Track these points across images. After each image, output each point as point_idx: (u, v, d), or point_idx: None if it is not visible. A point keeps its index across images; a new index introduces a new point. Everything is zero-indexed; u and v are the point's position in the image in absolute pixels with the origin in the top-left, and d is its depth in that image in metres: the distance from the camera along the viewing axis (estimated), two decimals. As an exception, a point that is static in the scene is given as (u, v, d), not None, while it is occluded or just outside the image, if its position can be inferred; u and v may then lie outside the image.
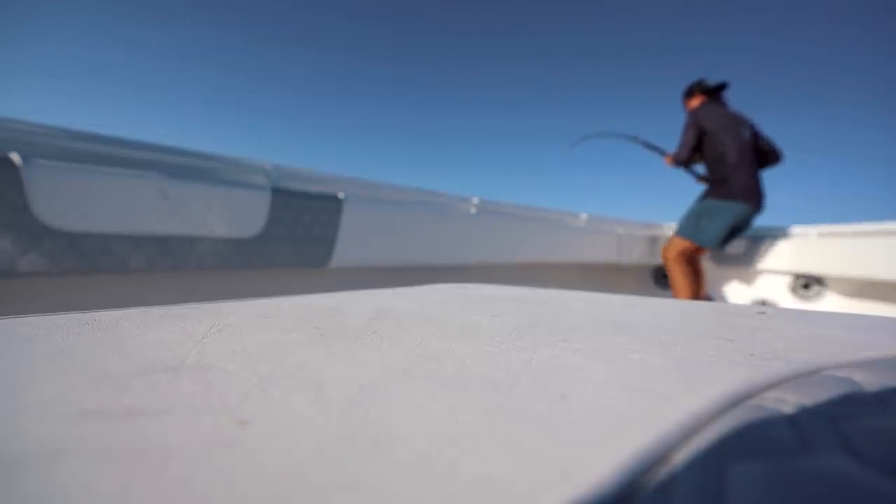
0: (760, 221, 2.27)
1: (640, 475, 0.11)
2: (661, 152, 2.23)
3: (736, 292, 2.46)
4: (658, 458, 0.12)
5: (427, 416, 0.15)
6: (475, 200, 1.74)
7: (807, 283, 2.22)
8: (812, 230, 2.15)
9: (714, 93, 2.05)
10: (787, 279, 2.29)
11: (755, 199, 1.96)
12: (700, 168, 2.13)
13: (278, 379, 0.18)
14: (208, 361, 0.20)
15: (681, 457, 0.12)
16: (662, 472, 0.11)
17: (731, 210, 1.93)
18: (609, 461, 0.11)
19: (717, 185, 1.97)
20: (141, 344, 0.23)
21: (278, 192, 1.18)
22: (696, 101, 2.08)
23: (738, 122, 1.98)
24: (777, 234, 2.27)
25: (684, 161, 2.06)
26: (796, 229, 2.22)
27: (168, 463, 0.11)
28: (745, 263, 2.34)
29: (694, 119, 1.98)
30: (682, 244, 2.01)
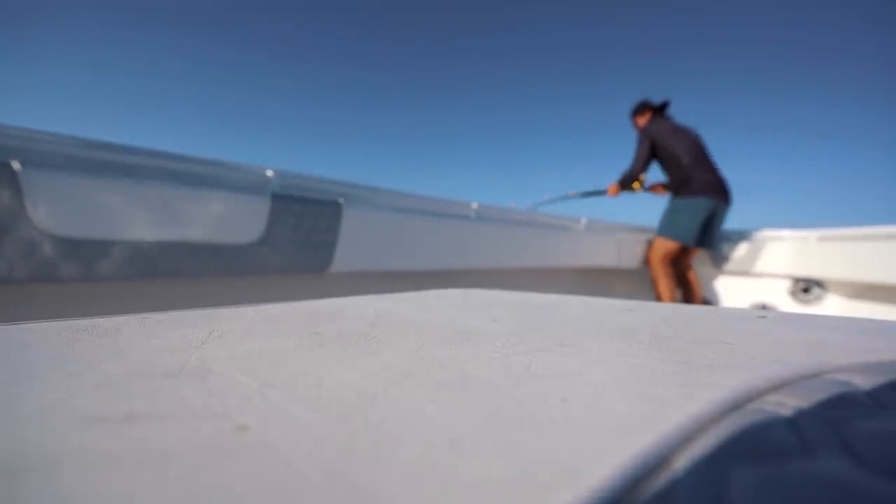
0: (764, 222, 2.31)
1: (641, 479, 0.11)
2: (600, 193, 2.44)
3: (736, 296, 2.46)
4: (658, 461, 0.12)
5: (427, 420, 0.15)
6: (474, 205, 1.74)
7: (807, 287, 2.22)
8: (812, 234, 2.16)
9: (659, 110, 2.29)
10: (787, 283, 2.29)
11: (720, 193, 2.12)
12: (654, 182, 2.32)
13: (278, 384, 0.18)
14: (208, 367, 0.20)
15: (681, 460, 0.12)
16: (663, 476, 0.11)
17: (697, 205, 2.10)
18: (609, 465, 0.11)
19: (681, 186, 2.15)
20: (141, 350, 0.23)
21: (278, 198, 1.18)
22: (643, 119, 2.30)
23: (685, 131, 2.19)
24: (777, 237, 2.27)
25: (637, 172, 2.23)
26: (796, 233, 2.22)
27: (168, 468, 0.11)
28: (744, 267, 2.34)
29: (645, 134, 2.20)
30: (665, 245, 2.15)
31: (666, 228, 2.15)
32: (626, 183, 2.26)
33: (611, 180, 2.36)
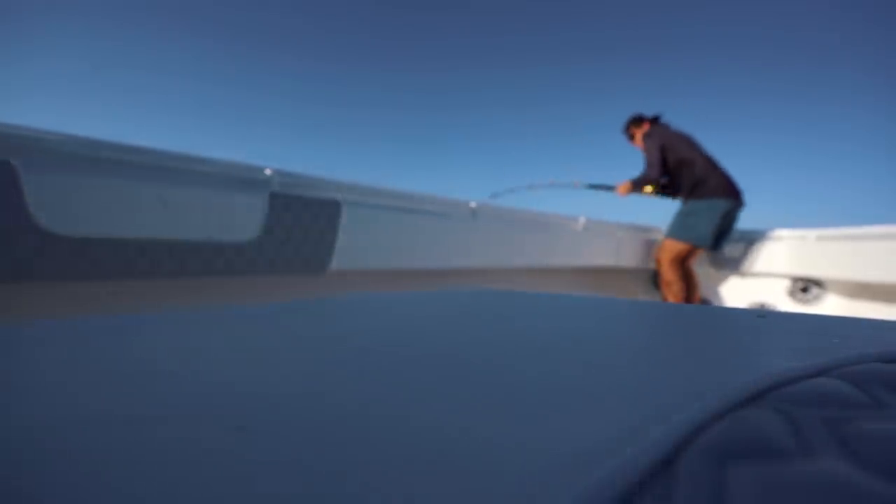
0: (761, 223, 2.31)
1: (639, 478, 0.11)
2: (609, 187, 2.38)
3: (734, 296, 2.47)
4: (657, 461, 0.12)
5: (429, 419, 0.15)
6: (473, 204, 1.74)
7: (805, 287, 2.22)
8: (810, 233, 2.16)
9: (654, 121, 2.26)
10: (786, 283, 2.29)
11: (735, 194, 2.10)
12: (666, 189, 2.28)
13: (277, 383, 0.18)
14: (206, 367, 0.20)
15: (680, 460, 0.12)
16: (661, 475, 0.11)
17: (714, 207, 2.06)
18: (609, 463, 0.11)
19: (696, 188, 2.10)
20: (139, 348, 0.23)
21: (276, 197, 1.18)
22: (640, 131, 2.27)
23: (685, 136, 2.19)
24: (775, 237, 2.28)
25: (656, 178, 2.18)
26: (794, 232, 2.23)
27: (167, 468, 0.11)
28: (743, 267, 2.35)
29: (654, 139, 2.17)
30: (676, 247, 2.12)
31: (679, 231, 2.12)
32: (639, 185, 2.24)
33: (617, 178, 2.33)
